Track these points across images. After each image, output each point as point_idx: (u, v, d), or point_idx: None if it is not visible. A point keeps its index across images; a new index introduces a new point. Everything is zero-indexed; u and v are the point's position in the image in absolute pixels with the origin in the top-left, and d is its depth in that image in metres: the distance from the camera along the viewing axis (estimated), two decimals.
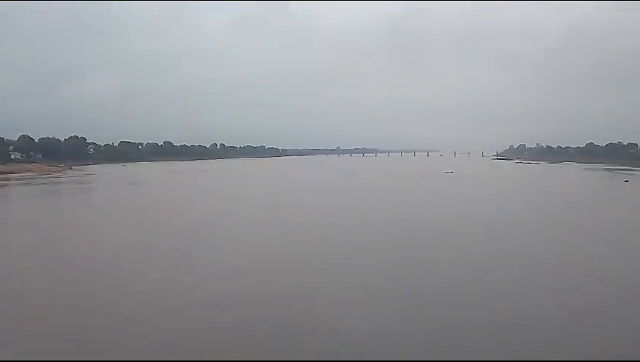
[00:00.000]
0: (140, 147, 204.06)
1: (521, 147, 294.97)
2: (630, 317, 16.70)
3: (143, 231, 34.23)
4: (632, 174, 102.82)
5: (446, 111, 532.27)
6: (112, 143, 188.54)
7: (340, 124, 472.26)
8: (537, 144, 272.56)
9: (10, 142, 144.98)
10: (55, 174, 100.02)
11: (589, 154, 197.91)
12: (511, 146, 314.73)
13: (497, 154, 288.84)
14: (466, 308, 17.57)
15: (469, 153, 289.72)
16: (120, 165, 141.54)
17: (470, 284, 20.62)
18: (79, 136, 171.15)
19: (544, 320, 16.39)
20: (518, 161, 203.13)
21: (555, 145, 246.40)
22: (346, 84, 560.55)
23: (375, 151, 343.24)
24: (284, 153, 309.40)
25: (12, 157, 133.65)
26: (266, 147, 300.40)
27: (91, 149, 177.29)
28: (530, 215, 42.40)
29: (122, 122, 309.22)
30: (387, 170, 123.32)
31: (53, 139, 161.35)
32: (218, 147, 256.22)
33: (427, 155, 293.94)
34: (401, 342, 14.70)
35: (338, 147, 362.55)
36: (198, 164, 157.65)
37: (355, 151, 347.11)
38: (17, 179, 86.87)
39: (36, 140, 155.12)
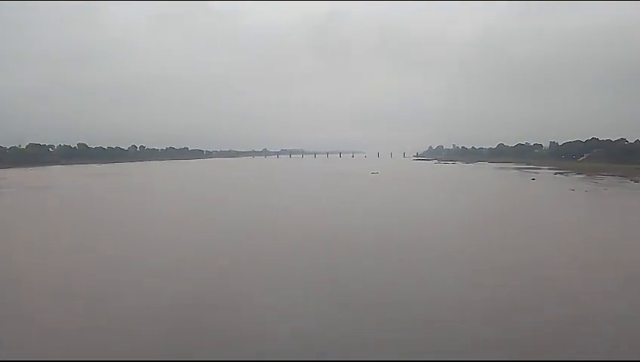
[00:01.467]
0: (50, 149, 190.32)
1: (440, 148, 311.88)
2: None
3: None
4: (538, 173, 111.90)
5: (370, 114, 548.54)
6: (20, 146, 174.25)
7: (266, 126, 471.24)
8: (454, 145, 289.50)
9: None
10: None
11: (500, 154, 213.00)
12: (430, 147, 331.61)
13: (417, 155, 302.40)
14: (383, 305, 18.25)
15: (391, 154, 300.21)
16: (28, 169, 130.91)
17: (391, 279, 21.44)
18: None
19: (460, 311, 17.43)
20: (436, 161, 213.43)
21: (469, 146, 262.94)
22: (272, 85, 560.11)
23: (302, 153, 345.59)
24: (208, 155, 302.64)
25: None
26: (190, 149, 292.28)
27: None
28: (455, 212, 44.82)
29: (32, 123, 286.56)
30: (318, 171, 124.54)
31: None
32: (137, 149, 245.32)
33: (352, 156, 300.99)
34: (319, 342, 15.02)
35: (265, 148, 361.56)
36: (114, 168, 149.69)
37: (282, 152, 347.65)
38: None
39: None
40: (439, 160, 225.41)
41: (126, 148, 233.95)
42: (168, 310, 17.66)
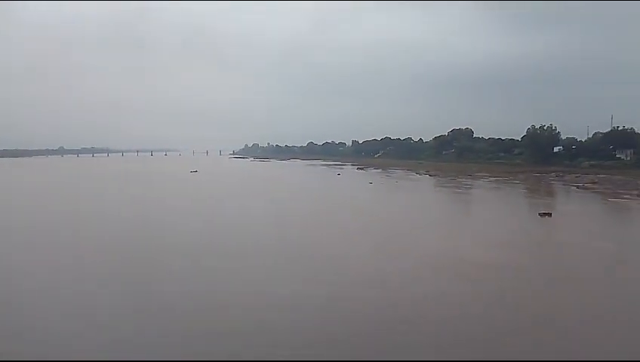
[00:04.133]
0: None
1: (255, 146, 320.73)
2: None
3: None
4: (343, 168, 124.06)
5: (183, 112, 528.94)
6: None
7: (62, 122, 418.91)
8: (269, 143, 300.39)
9: None
10: None
11: (310, 152, 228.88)
12: (246, 145, 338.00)
13: (234, 153, 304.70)
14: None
15: (207, 152, 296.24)
16: None
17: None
18: None
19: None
20: (252, 159, 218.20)
21: (283, 145, 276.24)
22: (70, 81, 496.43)
23: (107, 151, 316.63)
24: None
25: None
26: None
27: None
28: (274, 209, 46.99)
29: None
30: (127, 172, 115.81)
31: None
32: None
33: (165, 155, 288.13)
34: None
35: (61, 147, 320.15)
36: None
37: (83, 151, 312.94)
38: None
39: None
40: (255, 157, 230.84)
41: None
42: None
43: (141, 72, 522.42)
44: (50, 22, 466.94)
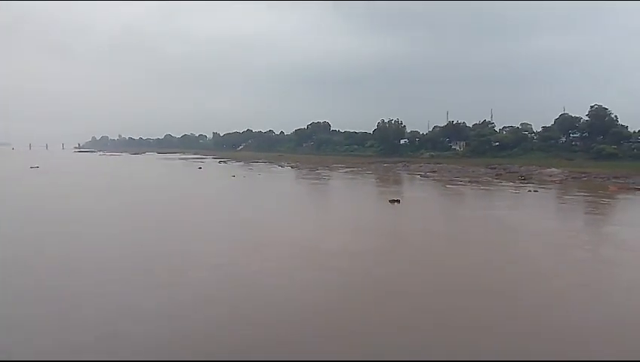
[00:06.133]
0: None
1: (105, 139, 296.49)
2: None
3: None
4: (204, 161, 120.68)
5: (15, 103, 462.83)
6: None
7: None
8: (120, 136, 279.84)
9: None
10: None
11: (168, 144, 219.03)
12: (93, 138, 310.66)
13: (79, 147, 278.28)
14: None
15: (47, 146, 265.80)
16: None
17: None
18: None
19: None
20: (101, 153, 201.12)
21: (137, 137, 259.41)
22: None
23: None
24: None
25: None
26: None
27: None
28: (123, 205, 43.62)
29: None
30: None
31: None
32: None
33: None
34: None
35: None
36: None
37: None
38: None
39: None
40: (104, 151, 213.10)
41: None
42: None
43: None
44: None
